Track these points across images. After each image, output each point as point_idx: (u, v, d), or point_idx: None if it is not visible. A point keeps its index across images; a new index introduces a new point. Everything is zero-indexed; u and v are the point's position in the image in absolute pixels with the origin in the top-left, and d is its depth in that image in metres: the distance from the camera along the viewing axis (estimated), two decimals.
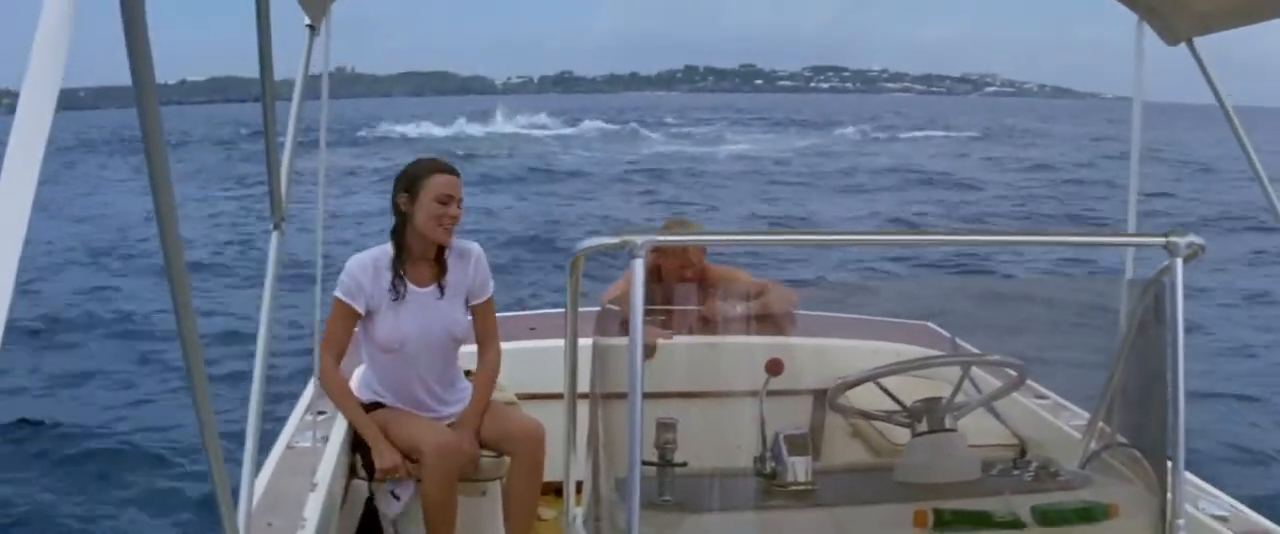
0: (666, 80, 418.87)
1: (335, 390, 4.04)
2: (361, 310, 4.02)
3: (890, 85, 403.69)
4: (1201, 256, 2.46)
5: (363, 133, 61.17)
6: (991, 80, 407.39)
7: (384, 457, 3.97)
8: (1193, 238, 2.43)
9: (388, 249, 4.08)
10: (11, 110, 1.14)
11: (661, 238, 2.35)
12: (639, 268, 2.17)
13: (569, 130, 67.19)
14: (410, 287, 4.05)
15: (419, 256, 4.07)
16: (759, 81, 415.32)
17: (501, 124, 71.39)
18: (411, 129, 65.30)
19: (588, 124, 71.33)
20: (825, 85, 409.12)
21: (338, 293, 4.02)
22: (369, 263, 4.03)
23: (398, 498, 4.04)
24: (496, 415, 4.16)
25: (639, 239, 2.18)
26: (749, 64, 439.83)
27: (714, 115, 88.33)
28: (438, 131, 64.32)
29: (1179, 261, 2.43)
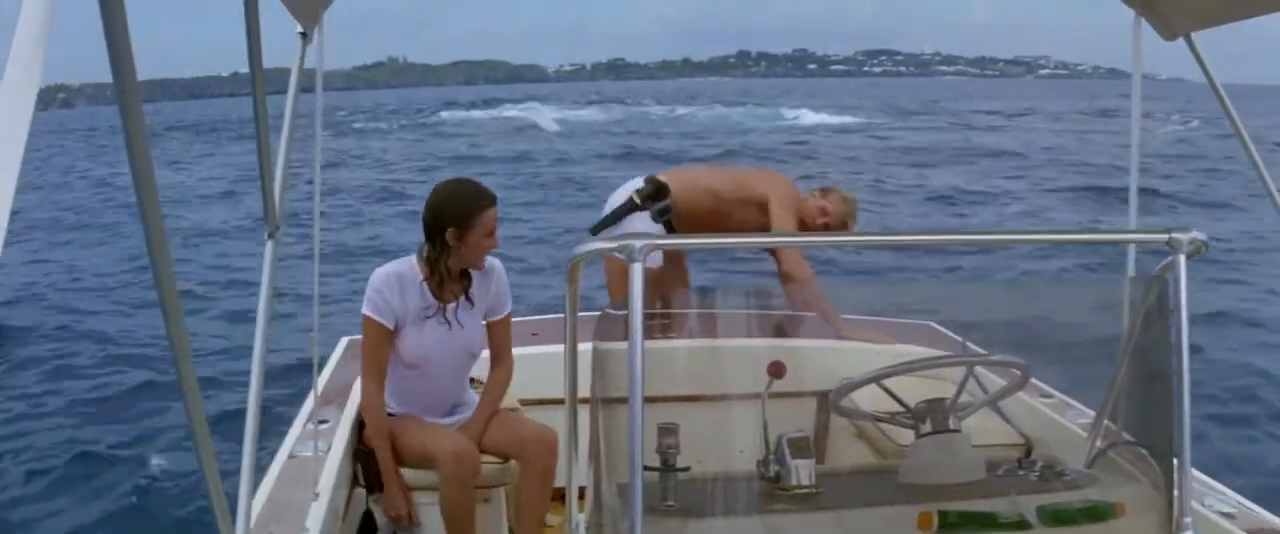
0: (719, 66, 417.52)
1: (374, 421, 4.03)
2: (391, 326, 3.99)
3: (943, 68, 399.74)
4: (1204, 252, 2.43)
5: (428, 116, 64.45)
6: (1045, 62, 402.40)
7: (394, 502, 4.00)
8: (1196, 234, 2.40)
9: (412, 262, 4.05)
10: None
11: (659, 242, 2.36)
12: (638, 272, 2.17)
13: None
14: (442, 306, 4.05)
15: (450, 277, 4.05)
16: (812, 66, 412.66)
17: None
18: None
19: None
20: (878, 69, 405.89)
21: (367, 311, 3.97)
22: (394, 278, 3.99)
23: None
24: (508, 422, 4.14)
25: (638, 243, 2.18)
26: (802, 49, 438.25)
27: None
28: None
29: (1182, 258, 2.39)
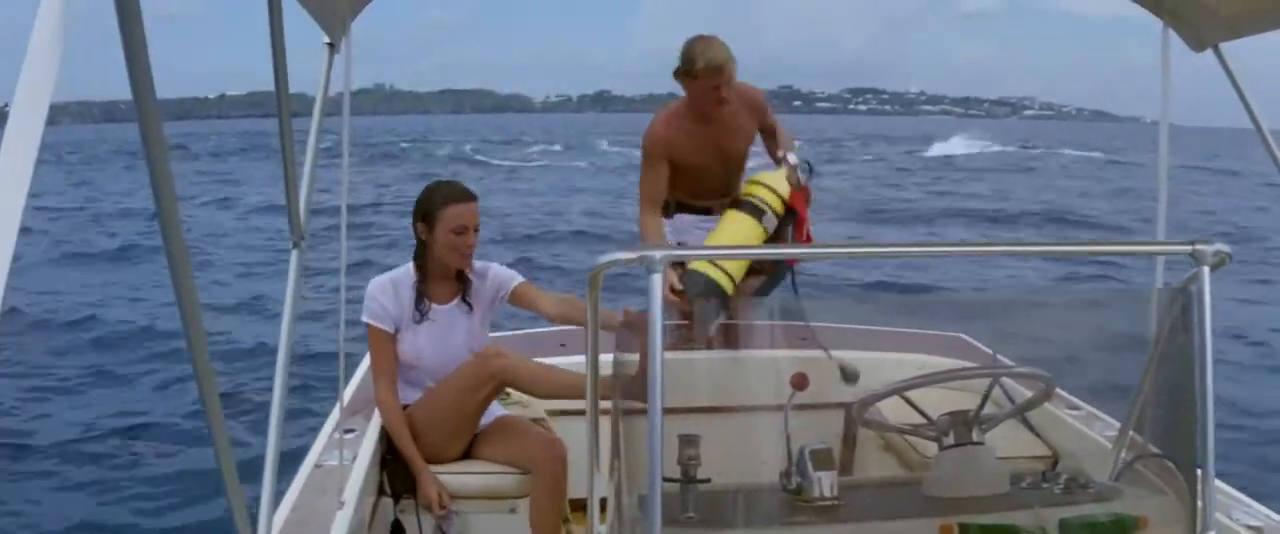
0: None
1: (391, 420, 4.09)
2: (391, 329, 4.13)
3: (928, 107, 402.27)
4: (1228, 265, 2.41)
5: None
6: (1030, 103, 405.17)
7: (428, 491, 4.00)
8: (1219, 246, 2.38)
9: (409, 270, 4.21)
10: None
11: (679, 252, 2.32)
12: (657, 283, 2.15)
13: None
14: (433, 306, 4.19)
15: (440, 277, 4.20)
16: (797, 103, 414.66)
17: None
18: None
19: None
20: (863, 107, 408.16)
21: (366, 319, 4.13)
22: (388, 284, 4.16)
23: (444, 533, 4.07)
24: (517, 433, 4.17)
25: (657, 254, 2.16)
26: (787, 85, 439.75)
27: None
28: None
29: (1206, 270, 2.37)
